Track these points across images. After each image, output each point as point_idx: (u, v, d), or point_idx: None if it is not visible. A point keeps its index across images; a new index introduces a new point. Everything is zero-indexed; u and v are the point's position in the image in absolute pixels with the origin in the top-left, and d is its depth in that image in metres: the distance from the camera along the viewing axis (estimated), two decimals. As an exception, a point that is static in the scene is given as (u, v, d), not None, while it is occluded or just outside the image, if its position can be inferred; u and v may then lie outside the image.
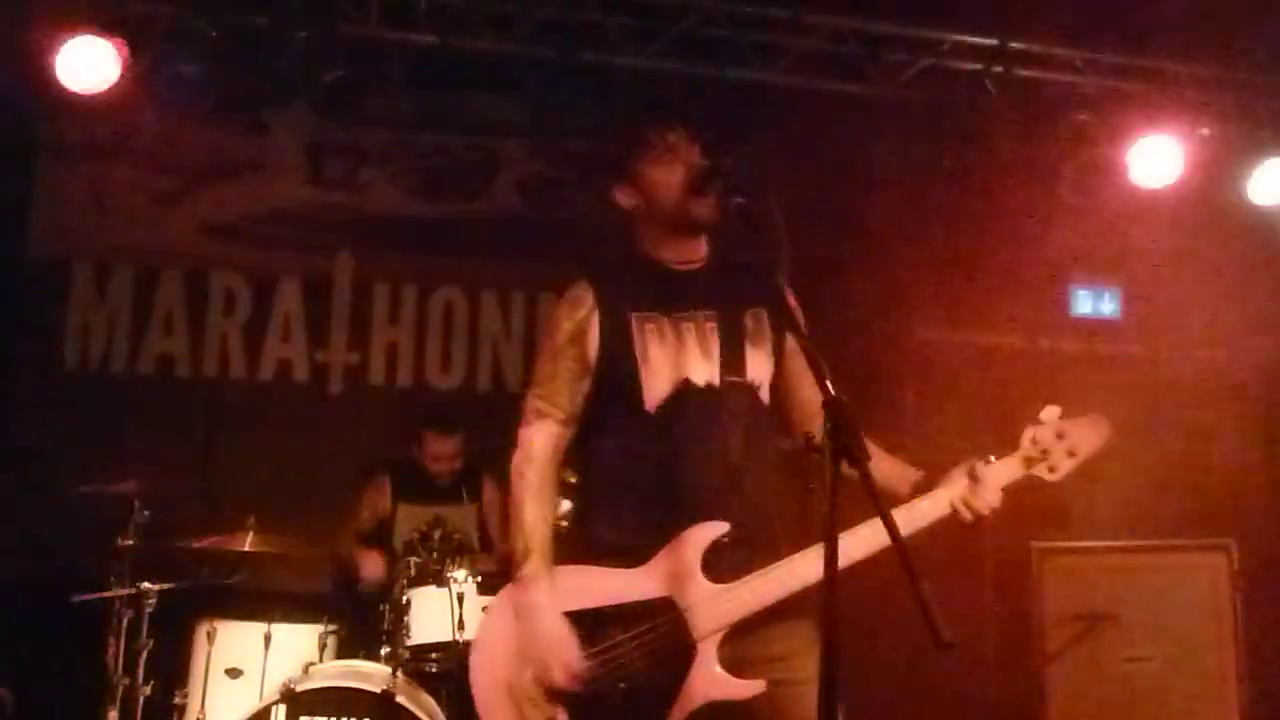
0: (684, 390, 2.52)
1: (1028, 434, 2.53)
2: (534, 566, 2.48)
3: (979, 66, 5.36)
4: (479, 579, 4.14)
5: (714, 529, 2.42)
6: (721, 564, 2.42)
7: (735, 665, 2.41)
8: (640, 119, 2.72)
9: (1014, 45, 5.33)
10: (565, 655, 2.39)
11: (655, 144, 2.58)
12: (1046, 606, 4.80)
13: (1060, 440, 2.52)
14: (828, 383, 2.07)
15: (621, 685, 2.39)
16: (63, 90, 4.79)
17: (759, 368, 2.58)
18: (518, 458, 2.59)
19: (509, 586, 2.55)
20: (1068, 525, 5.39)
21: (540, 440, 2.58)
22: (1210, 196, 5.73)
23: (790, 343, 2.60)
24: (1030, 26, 5.29)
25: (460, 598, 4.06)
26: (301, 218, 6.04)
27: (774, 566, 2.40)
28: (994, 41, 5.31)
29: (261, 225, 6.00)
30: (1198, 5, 5.00)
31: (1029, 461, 2.52)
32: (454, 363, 6.18)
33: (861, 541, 2.31)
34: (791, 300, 2.44)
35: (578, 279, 2.64)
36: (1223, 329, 6.16)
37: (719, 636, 2.39)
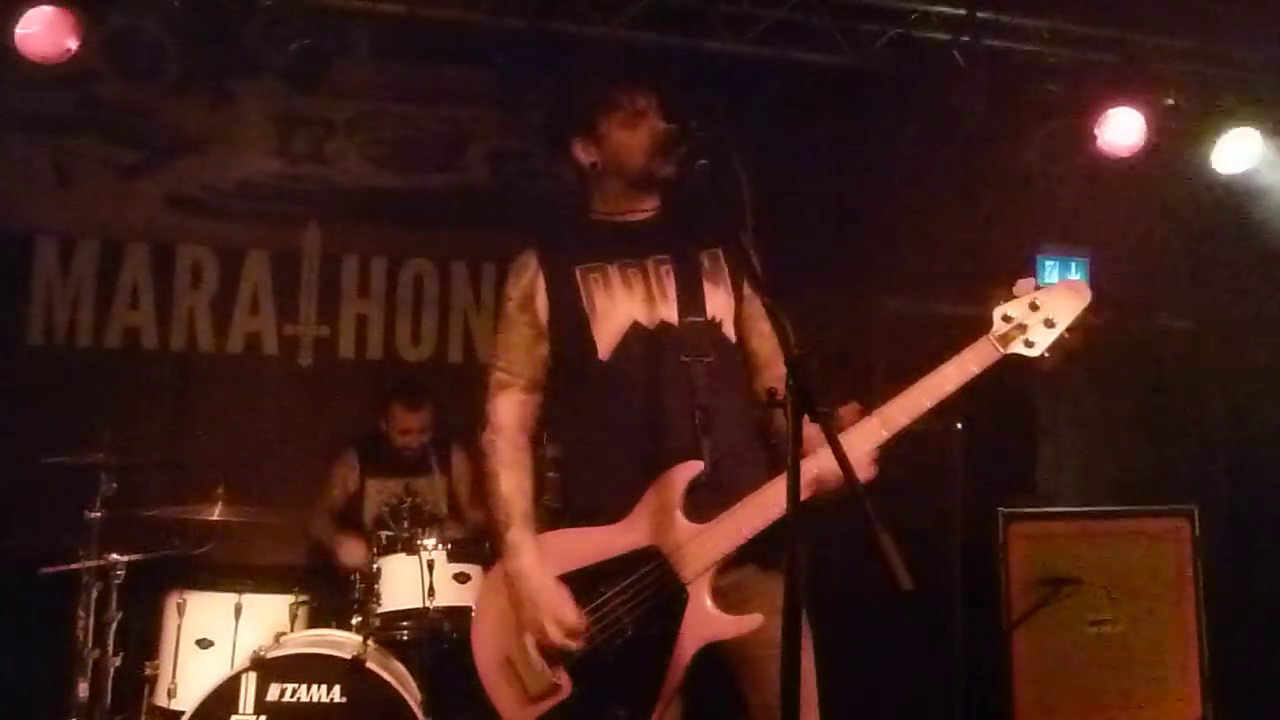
0: (634, 333, 2.51)
1: (998, 312, 2.43)
2: (516, 535, 2.50)
3: (947, 36, 5.38)
4: (449, 547, 4.16)
5: (690, 469, 2.40)
6: (699, 505, 2.41)
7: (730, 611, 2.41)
8: (608, 80, 2.71)
9: (982, 15, 5.34)
10: (560, 614, 2.39)
11: (623, 105, 2.60)
12: (1012, 572, 4.85)
13: (1035, 311, 2.42)
14: (790, 339, 2.09)
15: (618, 641, 2.39)
16: (23, 61, 4.74)
17: (719, 304, 2.56)
18: (487, 432, 2.60)
19: (499, 561, 2.55)
20: (1034, 491, 5.46)
21: (505, 410, 2.59)
22: (1176, 166, 5.79)
23: (748, 281, 2.58)
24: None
25: (430, 565, 4.07)
26: (269, 190, 5.97)
27: (751, 496, 2.37)
28: (962, 11, 5.33)
29: (228, 198, 5.93)
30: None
31: (1005, 340, 2.42)
32: (424, 335, 6.16)
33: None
34: (752, 253, 2.45)
35: (523, 248, 2.66)
36: (1188, 298, 6.23)
37: (709, 577, 2.37)
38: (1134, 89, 5.42)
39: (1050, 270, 6.50)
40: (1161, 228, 6.08)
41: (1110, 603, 4.91)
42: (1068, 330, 2.43)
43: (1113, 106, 5.41)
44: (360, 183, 6.08)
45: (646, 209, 2.65)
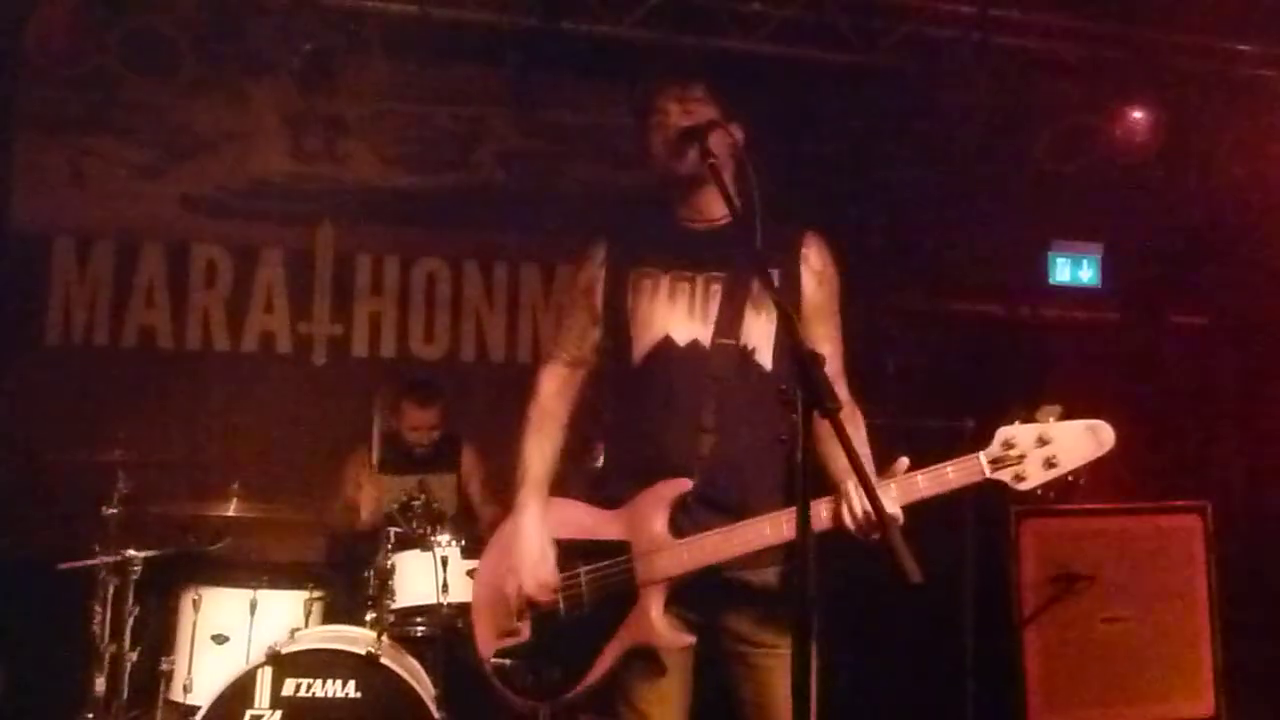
0: (664, 347, 2.59)
1: (1002, 433, 2.30)
2: (523, 494, 2.67)
3: (959, 33, 5.38)
4: (463, 543, 4.19)
5: (676, 486, 2.50)
6: (686, 521, 2.50)
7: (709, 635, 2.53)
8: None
9: (994, 12, 5.34)
10: (540, 572, 2.57)
11: (643, 110, 2.68)
12: (1024, 568, 4.86)
13: (1040, 446, 2.27)
14: (798, 334, 2.12)
15: (575, 613, 2.56)
16: (40, 62, 4.78)
17: (756, 331, 2.58)
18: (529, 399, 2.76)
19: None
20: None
21: (544, 381, 2.76)
22: (1188, 163, 5.78)
23: (805, 307, 2.60)
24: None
25: (444, 561, 4.10)
26: (282, 189, 6.01)
27: (728, 528, 2.44)
28: (973, 9, 5.33)
29: (242, 197, 5.97)
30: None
31: (996, 463, 2.29)
32: (437, 333, 6.20)
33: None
34: (821, 255, 2.59)
35: (596, 239, 2.77)
36: (1200, 294, 6.22)
37: (662, 587, 2.48)
38: (1146, 86, 5.41)
39: (1062, 267, 6.50)
40: (1174, 224, 6.06)
41: (1122, 599, 4.91)
42: (1071, 475, 2.27)
43: (1125, 103, 5.41)
44: (373, 182, 6.11)
45: (717, 218, 2.67)
